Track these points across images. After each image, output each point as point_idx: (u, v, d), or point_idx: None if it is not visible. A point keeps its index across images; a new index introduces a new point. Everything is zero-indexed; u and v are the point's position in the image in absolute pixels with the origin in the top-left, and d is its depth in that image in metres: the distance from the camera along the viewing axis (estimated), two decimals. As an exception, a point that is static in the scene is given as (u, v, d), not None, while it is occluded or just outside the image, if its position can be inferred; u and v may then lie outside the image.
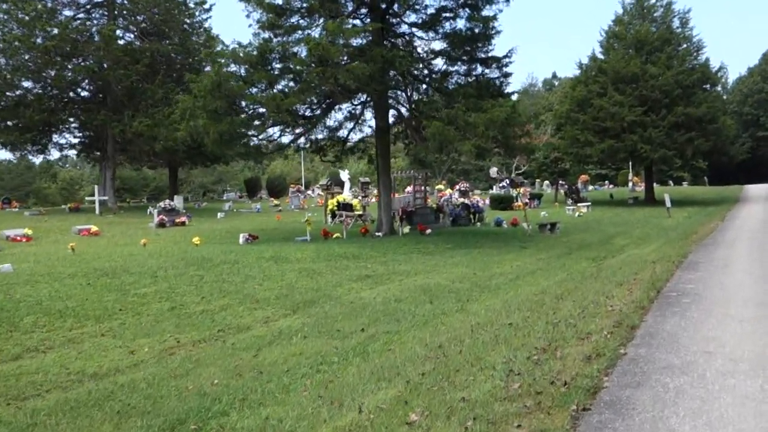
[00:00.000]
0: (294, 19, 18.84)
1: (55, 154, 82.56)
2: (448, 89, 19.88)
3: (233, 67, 18.12)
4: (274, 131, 20.21)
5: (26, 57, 33.47)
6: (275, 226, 25.12)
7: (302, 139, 21.67)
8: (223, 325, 8.70)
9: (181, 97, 19.00)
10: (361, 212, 25.37)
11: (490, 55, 20.09)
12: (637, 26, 36.44)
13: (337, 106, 20.50)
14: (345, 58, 17.34)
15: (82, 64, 34.48)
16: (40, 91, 35.06)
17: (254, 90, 17.91)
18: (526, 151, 21.29)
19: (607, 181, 58.57)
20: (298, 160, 67.42)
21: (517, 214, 27.05)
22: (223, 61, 18.13)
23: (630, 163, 42.02)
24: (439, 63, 20.94)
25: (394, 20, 20.24)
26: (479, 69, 20.41)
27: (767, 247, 13.31)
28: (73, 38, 33.18)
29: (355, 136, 23.24)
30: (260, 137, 20.08)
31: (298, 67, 17.23)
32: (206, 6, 39.37)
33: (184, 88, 28.53)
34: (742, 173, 59.07)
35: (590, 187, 49.46)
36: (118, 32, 35.89)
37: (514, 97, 22.01)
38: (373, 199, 31.58)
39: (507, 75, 20.31)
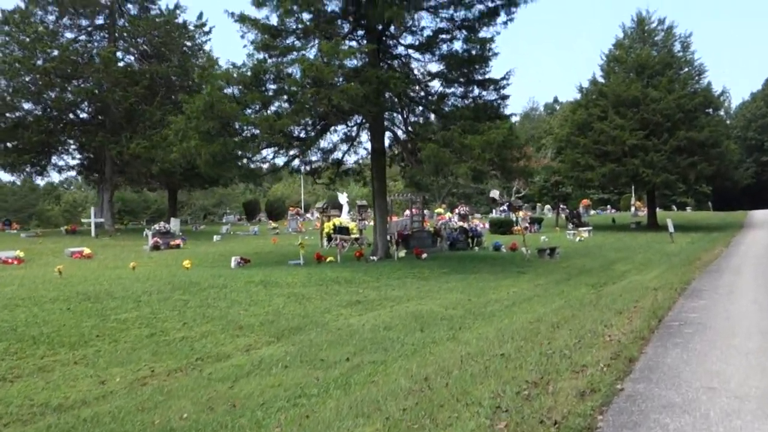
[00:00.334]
0: (289, 41, 18.77)
1: (54, 176, 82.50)
2: (444, 111, 19.72)
3: (228, 90, 17.95)
4: (267, 153, 20.04)
5: (26, 78, 33.52)
6: (270, 249, 24.82)
7: (296, 161, 21.45)
8: (202, 354, 8.29)
9: (174, 118, 18.80)
10: (357, 236, 25.05)
11: (487, 77, 20.00)
12: (638, 50, 36.41)
13: (332, 128, 20.38)
14: (340, 79, 17.18)
15: (82, 85, 34.51)
16: (39, 113, 35.06)
17: (248, 111, 17.73)
18: (524, 174, 21.01)
19: (609, 206, 58.31)
20: (299, 182, 67.30)
21: (516, 238, 26.64)
22: (221, 82, 17.98)
23: (632, 187, 41.65)
24: (436, 85, 20.89)
25: (390, 42, 20.18)
26: (476, 91, 20.29)
27: (772, 273, 12.96)
28: (74, 60, 33.29)
29: (350, 159, 23.09)
30: (254, 159, 19.88)
31: (292, 88, 17.08)
32: (206, 29, 39.68)
33: (181, 109, 28.51)
34: (746, 198, 58.90)
35: (592, 212, 49.22)
36: (119, 54, 36.07)
37: (513, 119, 21.81)
38: (371, 223, 31.27)
39: (505, 97, 20.18)
